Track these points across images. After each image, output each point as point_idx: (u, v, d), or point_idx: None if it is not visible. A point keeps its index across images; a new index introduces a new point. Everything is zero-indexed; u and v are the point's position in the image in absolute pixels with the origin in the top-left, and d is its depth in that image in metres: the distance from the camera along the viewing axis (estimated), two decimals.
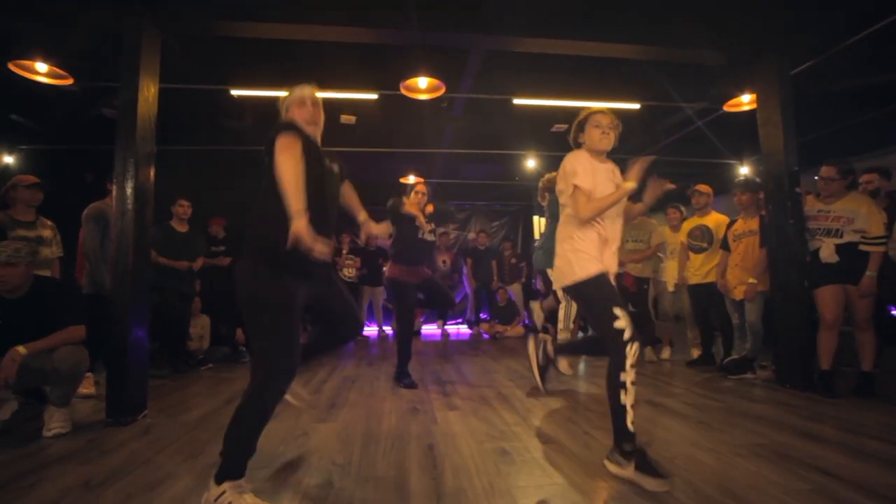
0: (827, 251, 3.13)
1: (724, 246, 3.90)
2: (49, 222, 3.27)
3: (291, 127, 1.69)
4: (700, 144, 5.48)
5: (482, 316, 7.86)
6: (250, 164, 6.02)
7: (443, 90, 3.63)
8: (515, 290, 7.48)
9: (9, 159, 5.13)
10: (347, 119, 4.77)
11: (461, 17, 3.11)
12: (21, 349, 2.25)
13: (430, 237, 3.61)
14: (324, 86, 4.03)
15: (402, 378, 3.56)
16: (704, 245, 4.16)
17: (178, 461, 2.08)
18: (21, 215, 3.06)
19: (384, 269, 7.60)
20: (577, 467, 1.97)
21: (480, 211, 9.00)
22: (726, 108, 4.24)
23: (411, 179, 7.01)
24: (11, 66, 3.24)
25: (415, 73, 3.50)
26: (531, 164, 5.94)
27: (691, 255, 4.28)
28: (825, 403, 2.92)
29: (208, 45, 3.53)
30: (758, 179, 3.79)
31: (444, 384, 3.65)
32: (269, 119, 5.00)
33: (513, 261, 7.61)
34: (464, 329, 8.45)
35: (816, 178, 3.27)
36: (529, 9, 3.16)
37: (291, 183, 1.52)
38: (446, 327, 8.09)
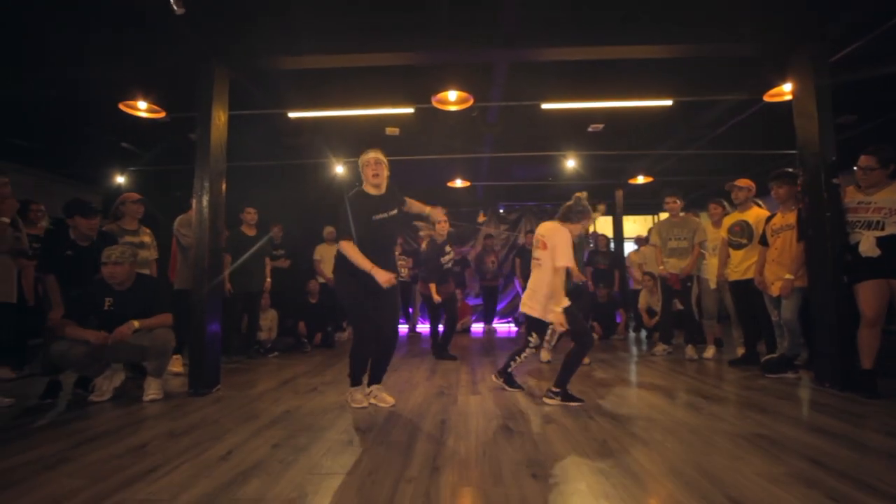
0: (867, 244, 2.99)
1: (763, 241, 3.79)
2: (147, 230, 4.00)
3: (354, 199, 2.66)
4: (756, 134, 5.24)
5: None
6: (308, 174, 6.72)
7: (471, 102, 3.91)
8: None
9: (121, 179, 6.22)
10: (392, 131, 5.21)
11: (482, 36, 3.38)
12: (135, 322, 2.90)
13: (448, 264, 4.63)
14: (365, 104, 4.54)
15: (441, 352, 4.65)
16: (744, 241, 4.06)
17: (237, 422, 2.56)
18: (127, 225, 3.81)
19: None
20: (568, 445, 2.17)
21: (531, 211, 9.12)
22: (767, 98, 4.09)
23: (458, 183, 7.35)
24: (121, 106, 4.03)
25: (444, 88, 3.83)
26: (571, 164, 6.02)
27: (731, 251, 4.19)
28: (862, 403, 2.81)
29: (269, 77, 4.11)
30: (793, 171, 3.64)
31: (475, 374, 3.93)
32: (321, 136, 5.55)
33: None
34: (514, 328, 8.62)
35: (855, 168, 3.13)
36: (550, 20, 3.35)
37: (357, 259, 2.58)
38: (494, 325, 8.32)
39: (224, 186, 3.54)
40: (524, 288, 7.95)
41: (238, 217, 5.02)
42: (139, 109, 4.12)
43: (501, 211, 9.10)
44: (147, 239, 3.94)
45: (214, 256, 3.40)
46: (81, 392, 3.24)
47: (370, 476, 1.81)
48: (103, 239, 3.32)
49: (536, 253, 3.09)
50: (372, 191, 2.71)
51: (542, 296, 2.97)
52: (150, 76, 3.85)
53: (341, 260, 2.67)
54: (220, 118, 3.51)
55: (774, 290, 3.62)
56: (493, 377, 3.34)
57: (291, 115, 4.53)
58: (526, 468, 1.87)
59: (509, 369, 3.27)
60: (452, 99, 3.91)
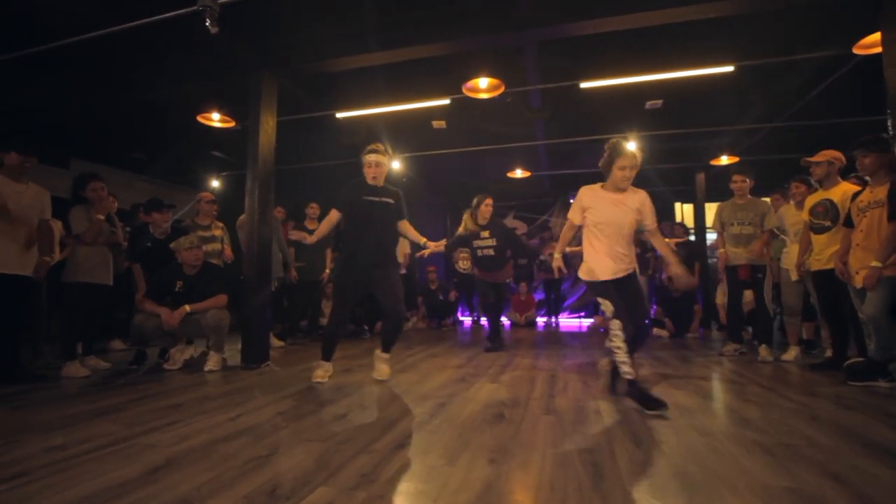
0: None
1: (848, 222, 3.19)
2: (220, 224, 4.59)
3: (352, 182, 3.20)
4: (856, 98, 4.37)
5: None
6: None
7: (502, 88, 3.85)
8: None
9: (215, 183, 7.20)
10: (439, 124, 5.31)
11: (499, 19, 3.32)
12: (187, 307, 3.39)
13: (487, 252, 4.41)
14: (402, 99, 4.69)
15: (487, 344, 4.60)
16: (828, 223, 3.45)
17: (265, 392, 2.87)
18: (201, 220, 4.42)
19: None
20: (551, 436, 2.07)
21: None
22: (857, 50, 3.39)
23: (518, 174, 7.21)
24: (199, 118, 4.68)
25: (474, 75, 3.82)
26: (631, 146, 5.53)
27: (813, 236, 3.58)
28: None
29: (315, 82, 4.46)
30: (884, 135, 2.99)
31: (507, 365, 3.88)
32: (375, 133, 5.83)
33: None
34: (586, 322, 8.23)
35: None
36: None
37: (322, 226, 3.31)
38: (560, 320, 8.04)
39: (273, 185, 3.93)
40: None
41: (304, 213, 5.52)
42: (213, 120, 4.74)
43: (571, 201, 8.70)
44: (218, 233, 4.52)
45: (263, 247, 3.79)
46: (161, 361, 3.85)
47: (339, 445, 1.93)
48: (176, 232, 3.89)
49: None
50: (370, 181, 3.14)
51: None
52: (216, 90, 4.40)
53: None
54: (268, 122, 3.90)
55: (858, 281, 3.03)
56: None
57: (339, 115, 4.87)
58: (488, 453, 1.84)
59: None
60: (483, 86, 3.88)
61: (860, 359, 3.10)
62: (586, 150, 6.55)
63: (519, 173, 7.09)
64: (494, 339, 4.66)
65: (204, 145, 6.16)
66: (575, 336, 6.27)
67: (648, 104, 4.84)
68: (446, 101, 4.42)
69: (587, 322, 8.18)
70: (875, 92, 4.24)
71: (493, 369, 3.64)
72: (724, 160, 6.25)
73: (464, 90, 3.95)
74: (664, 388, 2.95)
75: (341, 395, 2.78)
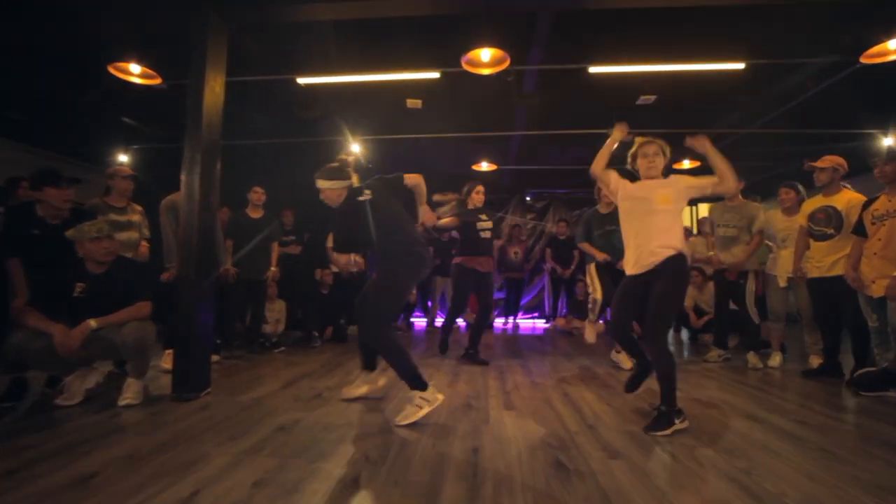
0: None
1: (859, 230, 3.13)
2: (139, 207, 3.56)
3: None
4: (827, 111, 4.51)
5: (562, 312, 7.40)
6: (323, 153, 6.20)
7: (507, 62, 3.32)
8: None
9: (122, 157, 5.81)
10: (414, 103, 4.65)
11: None
12: (91, 322, 2.43)
13: (486, 234, 4.08)
14: (387, 67, 3.98)
15: (467, 354, 4.09)
16: (830, 231, 3.40)
17: (219, 441, 2.07)
18: (115, 201, 3.37)
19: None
20: (648, 494, 1.61)
21: (559, 199, 8.48)
22: (864, 59, 3.38)
23: (483, 166, 6.75)
24: (111, 69, 3.56)
25: (477, 45, 3.24)
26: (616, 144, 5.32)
27: (812, 242, 3.53)
28: None
29: (274, 35, 3.59)
30: None
31: (505, 381, 3.39)
32: (336, 109, 5.02)
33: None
34: (540, 323, 8.05)
35: None
36: None
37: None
38: (518, 321, 7.75)
39: (219, 160, 3.04)
40: (560, 274, 7.41)
41: (243, 197, 4.56)
42: (132, 74, 3.64)
43: (529, 199, 8.48)
44: (136, 218, 3.49)
45: (205, 238, 2.91)
46: (51, 392, 2.80)
47: None
48: (78, 215, 2.85)
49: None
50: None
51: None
52: (139, 33, 3.36)
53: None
54: (215, 81, 3.00)
55: (876, 290, 2.96)
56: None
57: (301, 80, 4.01)
58: None
59: None
60: (486, 60, 3.32)
61: (872, 369, 3.05)
62: (553, 145, 6.29)
63: (485, 166, 6.63)
64: (476, 346, 4.15)
65: (110, 107, 4.87)
66: (543, 340, 5.97)
67: (641, 99, 4.61)
68: (436, 75, 3.79)
69: (541, 323, 8.01)
70: (862, 102, 4.42)
71: (494, 390, 3.12)
72: (686, 164, 6.32)
73: (463, 63, 3.36)
74: (697, 407, 2.64)
75: (331, 443, 2.09)
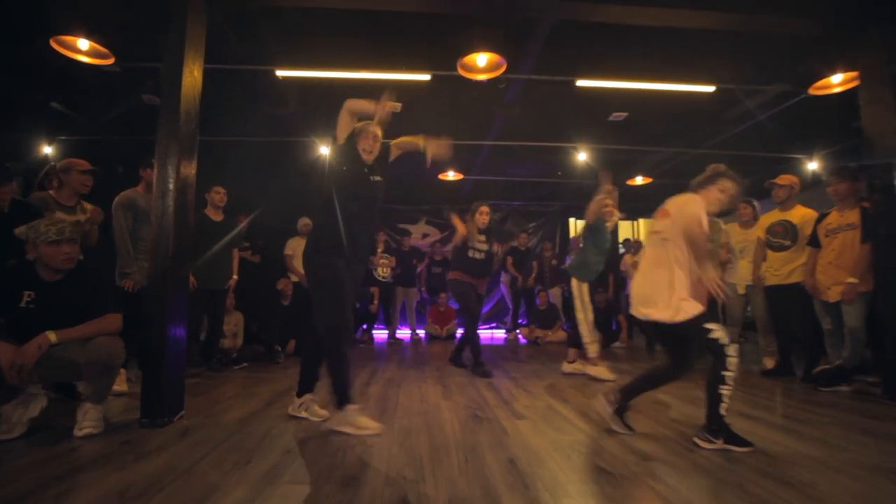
0: None
1: (814, 242, 3.48)
2: (90, 206, 3.09)
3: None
4: (764, 138, 5.03)
5: (520, 321, 7.51)
6: (285, 154, 5.83)
7: (503, 68, 3.33)
8: (556, 294, 7.10)
9: (48, 149, 5.06)
10: (393, 106, 4.49)
11: None
12: (51, 335, 2.03)
13: (478, 255, 4.15)
14: (373, 66, 3.84)
15: (476, 368, 3.92)
16: (787, 243, 3.75)
17: (225, 469, 1.80)
18: (65, 199, 2.90)
19: (418, 269, 7.39)
20: (698, 490, 1.62)
21: (517, 211, 8.69)
22: (812, 91, 3.82)
23: (450, 175, 6.73)
24: (53, 43, 3.08)
25: (474, 49, 3.22)
26: (582, 157, 5.57)
27: (769, 253, 3.87)
28: None
29: (254, 21, 3.33)
30: (852, 165, 3.37)
31: (498, 390, 3.33)
32: (312, 106, 4.77)
33: (553, 262, 7.23)
34: (498, 333, 8.11)
35: None
36: None
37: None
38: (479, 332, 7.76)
39: (196, 153, 2.73)
40: (520, 285, 7.53)
41: (200, 196, 4.13)
42: (79, 51, 3.17)
43: None
44: (86, 218, 3.02)
45: (181, 241, 2.57)
46: None
47: None
48: (19, 210, 2.40)
49: (656, 226, 2.30)
50: (364, 156, 2.55)
51: (667, 286, 2.14)
52: (98, 4, 2.95)
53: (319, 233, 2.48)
54: (193, 65, 2.70)
55: (831, 296, 3.30)
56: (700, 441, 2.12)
57: (280, 73, 3.73)
58: None
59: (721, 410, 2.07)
60: (482, 64, 3.30)
61: (828, 367, 3.37)
62: (516, 157, 6.42)
63: (451, 175, 6.60)
64: (479, 357, 4.05)
65: (36, 88, 4.23)
66: (507, 349, 6.00)
67: (613, 115, 4.85)
68: (426, 77, 3.70)
69: (500, 334, 8.08)
70: (793, 131, 4.96)
71: (497, 402, 3.05)
72: (640, 180, 6.74)
73: (458, 68, 3.31)
74: (690, 408, 2.75)
75: (356, 464, 1.89)
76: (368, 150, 2.54)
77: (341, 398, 2.29)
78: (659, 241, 2.23)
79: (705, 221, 2.13)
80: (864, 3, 3.03)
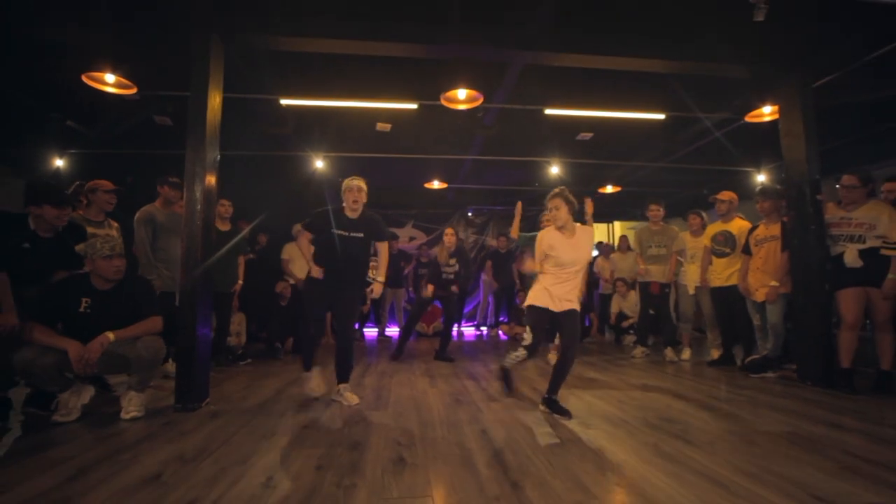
0: (851, 256, 3.29)
1: (746, 250, 4.06)
2: (115, 223, 3.50)
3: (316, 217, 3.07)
4: (719, 153, 5.65)
5: (501, 318, 8.04)
6: (284, 167, 6.27)
7: (481, 101, 3.84)
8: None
9: (59, 162, 5.40)
10: (383, 127, 4.98)
11: (503, 33, 3.32)
12: (110, 335, 2.47)
13: (450, 276, 4.90)
14: (365, 96, 4.30)
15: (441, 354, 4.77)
16: (727, 250, 4.33)
17: (255, 440, 2.27)
18: (93, 216, 3.30)
19: (405, 271, 7.85)
20: (622, 447, 2.14)
21: (498, 215, 9.20)
22: (748, 118, 4.42)
23: (435, 185, 7.23)
24: (84, 78, 3.48)
25: (455, 85, 3.71)
26: (555, 170, 6.13)
27: (714, 258, 4.45)
28: (846, 399, 3.07)
29: (262, 59, 3.77)
30: (778, 187, 3.96)
31: (478, 379, 3.83)
32: (306, 127, 5.21)
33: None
34: (469, 331, 8.61)
35: (838, 186, 3.44)
36: (569, 26, 3.37)
37: (302, 249, 3.17)
38: (462, 329, 8.29)
39: (216, 175, 3.17)
40: (494, 290, 8.10)
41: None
42: (106, 83, 3.58)
43: (470, 214, 9.09)
44: (114, 233, 3.44)
45: (207, 253, 3.02)
46: (35, 411, 2.71)
47: (452, 499, 1.66)
48: (70, 230, 2.83)
49: None
50: (348, 213, 3.06)
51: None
52: (126, 44, 3.36)
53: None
54: (214, 100, 3.14)
55: (759, 296, 3.88)
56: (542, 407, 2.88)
57: (284, 101, 4.17)
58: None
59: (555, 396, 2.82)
60: (462, 97, 3.80)
61: (756, 356, 3.96)
62: (497, 167, 6.94)
63: (436, 184, 7.10)
64: (445, 348, 4.80)
65: (54, 109, 4.60)
66: (488, 345, 6.52)
67: (580, 135, 5.40)
68: (413, 106, 4.18)
69: (484, 329, 8.59)
70: (744, 148, 5.56)
71: (476, 389, 3.55)
72: (610, 189, 7.33)
73: (441, 100, 3.81)
74: (640, 393, 3.30)
75: (361, 433, 2.38)
76: (353, 208, 3.02)
77: (341, 378, 3.07)
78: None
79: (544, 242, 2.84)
80: (782, 52, 3.60)
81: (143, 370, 2.61)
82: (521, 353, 2.91)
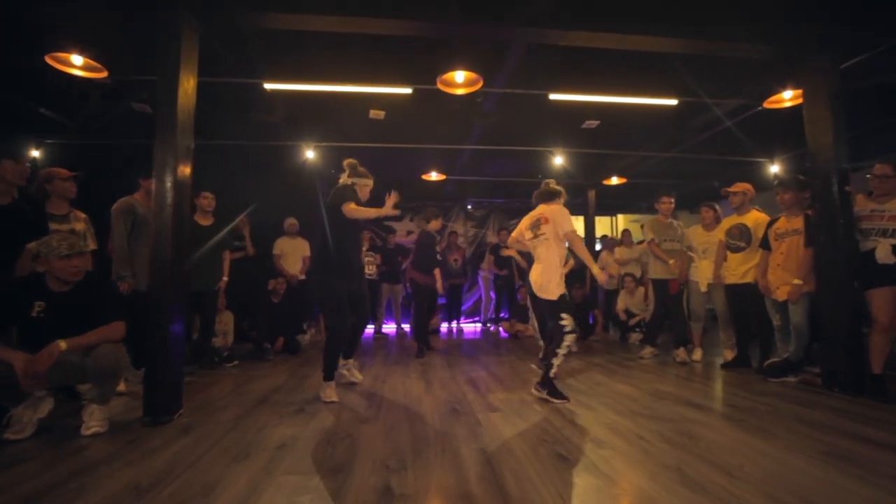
0: (883, 252, 3.02)
1: (765, 245, 3.79)
2: (82, 215, 3.23)
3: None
4: (730, 143, 5.35)
5: (502, 314, 7.79)
6: (274, 158, 5.98)
7: (480, 84, 3.54)
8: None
9: (36, 153, 5.10)
10: (377, 114, 4.68)
11: (507, 8, 3.02)
12: (62, 343, 2.20)
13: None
14: (357, 80, 4.01)
15: (419, 354, 4.81)
16: (742, 244, 4.05)
17: (225, 463, 2.02)
18: (55, 208, 3.02)
19: (403, 266, 7.62)
20: (641, 472, 1.89)
21: (499, 208, 8.92)
22: (766, 104, 4.11)
23: (433, 176, 6.93)
24: (48, 59, 3.19)
25: (453, 67, 3.42)
26: (559, 160, 5.83)
27: (729, 254, 4.18)
28: (878, 408, 2.82)
29: (244, 39, 3.47)
30: (800, 177, 3.67)
31: (477, 385, 3.58)
32: (296, 115, 4.93)
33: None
34: (469, 327, 8.38)
35: (868, 176, 3.16)
36: (577, 2, 3.08)
37: (368, 213, 3.12)
38: (462, 325, 8.04)
39: (190, 166, 2.89)
40: (495, 284, 7.85)
41: (193, 203, 4.27)
42: (72, 66, 3.28)
43: (469, 207, 8.80)
44: (80, 226, 3.16)
45: (179, 249, 2.75)
46: None
47: None
48: (23, 207, 2.54)
49: (541, 229, 3.14)
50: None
51: (554, 274, 3.03)
52: (94, 24, 3.07)
53: (321, 260, 3.15)
54: (188, 83, 2.85)
55: (780, 295, 3.61)
56: (535, 390, 3.12)
57: (268, 86, 3.87)
58: None
59: (552, 374, 3.02)
60: (460, 81, 3.50)
61: (776, 359, 3.69)
62: (496, 158, 6.65)
63: (434, 176, 6.81)
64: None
65: (27, 97, 4.31)
66: (488, 343, 6.27)
67: (586, 123, 5.10)
68: (408, 91, 3.89)
69: (479, 326, 8.35)
70: (757, 137, 5.26)
71: (474, 396, 3.30)
72: (615, 180, 7.03)
73: (438, 83, 3.51)
74: (653, 400, 3.04)
75: (346, 452, 2.12)
76: (364, 197, 3.31)
77: (326, 375, 3.10)
78: (544, 242, 3.08)
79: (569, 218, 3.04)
80: (806, 31, 3.30)
81: (101, 381, 2.35)
82: (570, 338, 2.95)
